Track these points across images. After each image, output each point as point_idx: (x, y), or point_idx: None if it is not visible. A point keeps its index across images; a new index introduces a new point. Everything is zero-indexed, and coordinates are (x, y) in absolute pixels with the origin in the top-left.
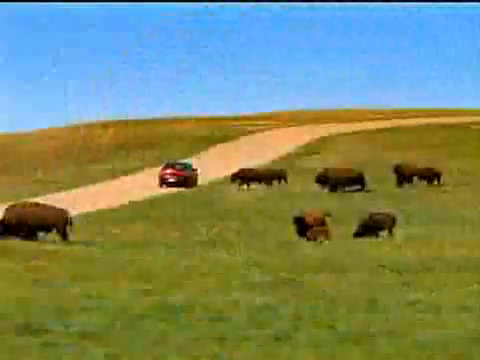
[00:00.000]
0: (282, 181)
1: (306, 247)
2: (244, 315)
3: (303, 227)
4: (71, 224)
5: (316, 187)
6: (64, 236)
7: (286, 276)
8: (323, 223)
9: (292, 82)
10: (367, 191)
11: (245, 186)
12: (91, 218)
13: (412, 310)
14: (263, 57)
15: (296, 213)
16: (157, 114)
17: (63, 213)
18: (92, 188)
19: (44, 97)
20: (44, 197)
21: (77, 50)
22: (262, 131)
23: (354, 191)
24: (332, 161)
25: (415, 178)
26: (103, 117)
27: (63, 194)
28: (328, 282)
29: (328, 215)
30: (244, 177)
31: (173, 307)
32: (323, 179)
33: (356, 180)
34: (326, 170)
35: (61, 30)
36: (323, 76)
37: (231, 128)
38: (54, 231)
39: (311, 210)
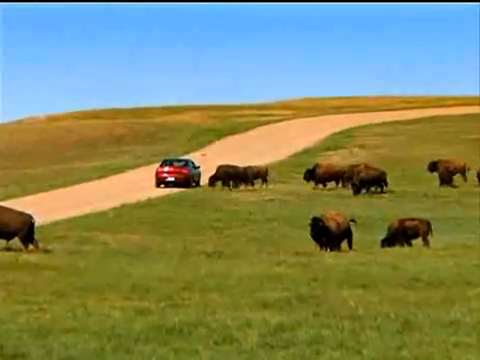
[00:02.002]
0: (264, 182)
1: (328, 257)
2: (255, 337)
3: (320, 231)
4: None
5: (339, 189)
6: (25, 244)
7: (304, 292)
8: (348, 229)
9: (310, 68)
10: (391, 192)
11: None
12: (76, 223)
13: (451, 331)
14: (280, 39)
15: (316, 215)
16: (154, 103)
17: (27, 218)
18: (78, 188)
19: (21, 82)
20: (20, 199)
21: (68, 37)
22: (277, 122)
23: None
24: (356, 157)
25: (454, 177)
26: (92, 107)
27: (43, 195)
28: (353, 298)
29: (353, 221)
30: (226, 177)
31: (172, 328)
32: (308, 175)
33: (375, 180)
34: (317, 165)
35: (56, 15)
36: (346, 61)
37: (241, 119)
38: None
39: (334, 214)
